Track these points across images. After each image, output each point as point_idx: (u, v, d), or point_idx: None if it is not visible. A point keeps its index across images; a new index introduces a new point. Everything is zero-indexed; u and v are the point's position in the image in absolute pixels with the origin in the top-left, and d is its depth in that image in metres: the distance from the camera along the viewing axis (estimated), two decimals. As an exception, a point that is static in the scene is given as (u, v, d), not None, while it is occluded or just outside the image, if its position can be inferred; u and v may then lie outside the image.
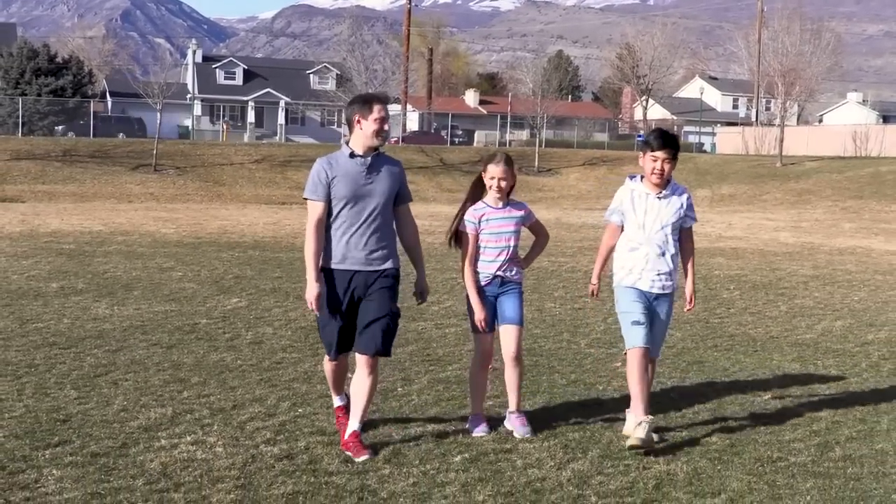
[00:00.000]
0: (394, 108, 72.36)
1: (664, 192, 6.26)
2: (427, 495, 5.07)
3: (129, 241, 19.95)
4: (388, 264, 6.01)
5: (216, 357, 8.54)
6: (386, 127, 5.97)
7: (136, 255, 17.11)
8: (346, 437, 5.84)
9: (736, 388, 7.78)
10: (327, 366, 6.30)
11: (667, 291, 6.30)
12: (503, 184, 6.30)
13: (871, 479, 5.60)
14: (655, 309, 6.29)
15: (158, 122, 50.58)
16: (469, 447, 5.99)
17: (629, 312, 6.21)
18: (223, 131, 71.84)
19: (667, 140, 6.20)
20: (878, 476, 5.66)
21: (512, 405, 6.39)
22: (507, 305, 6.35)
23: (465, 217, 6.38)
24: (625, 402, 7.29)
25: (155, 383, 7.47)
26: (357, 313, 5.95)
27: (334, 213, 5.94)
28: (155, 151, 48.04)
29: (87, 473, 5.29)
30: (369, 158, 5.97)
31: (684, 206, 6.31)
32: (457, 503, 5.00)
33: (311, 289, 5.91)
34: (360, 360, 5.91)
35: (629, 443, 5.82)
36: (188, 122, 73.91)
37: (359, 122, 5.94)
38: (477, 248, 6.35)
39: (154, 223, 25.72)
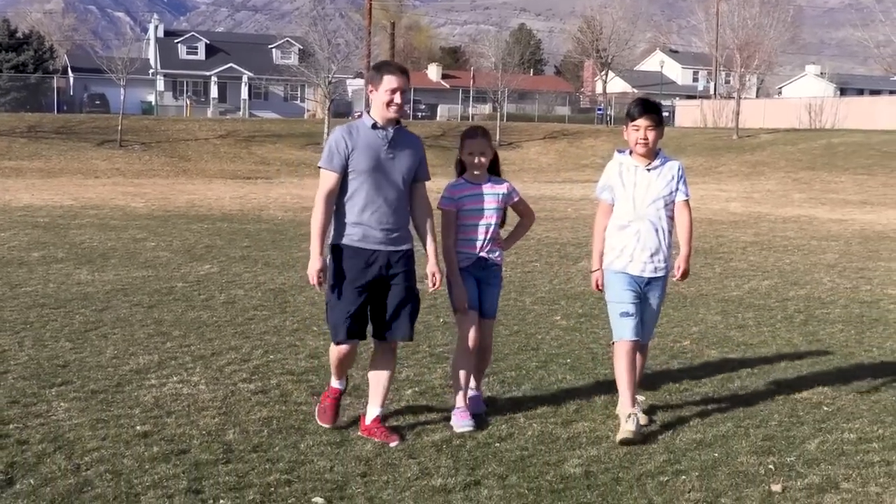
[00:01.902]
0: (356, 83, 72.96)
1: (654, 163, 5.90)
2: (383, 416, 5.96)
3: (100, 214, 20.66)
4: (408, 245, 5.72)
5: (193, 315, 9.40)
6: (398, 99, 5.55)
7: (109, 227, 17.85)
8: (368, 422, 5.68)
9: (660, 335, 8.71)
10: (334, 351, 5.74)
11: (659, 274, 5.96)
12: (482, 158, 6.03)
13: (762, 405, 6.56)
14: (647, 293, 5.98)
15: (122, 97, 50.90)
16: (419, 383, 6.89)
17: (619, 303, 5.92)
18: (187, 107, 72.06)
19: (648, 107, 5.86)
20: (768, 398, 6.62)
21: (472, 383, 6.26)
22: (486, 297, 6.12)
23: (444, 194, 6.09)
24: (559, 349, 8.24)
25: (140, 336, 8.32)
26: (373, 296, 5.63)
27: (352, 186, 5.54)
28: (120, 127, 48.45)
29: (90, 405, 6.16)
30: (391, 131, 5.61)
31: (676, 178, 5.93)
32: (404, 422, 5.91)
33: (314, 262, 5.48)
34: (383, 345, 5.73)
35: (619, 437, 5.61)
36: (151, 98, 74.05)
37: (371, 91, 5.62)
38: (459, 225, 6.05)
39: (123, 197, 26.37)
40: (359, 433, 5.67)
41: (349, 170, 5.53)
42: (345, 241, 5.58)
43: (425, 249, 5.87)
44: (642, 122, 5.82)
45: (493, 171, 6.19)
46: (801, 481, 5.05)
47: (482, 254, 6.04)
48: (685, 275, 5.99)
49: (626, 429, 5.63)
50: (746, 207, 27.39)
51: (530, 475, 5.06)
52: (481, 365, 6.35)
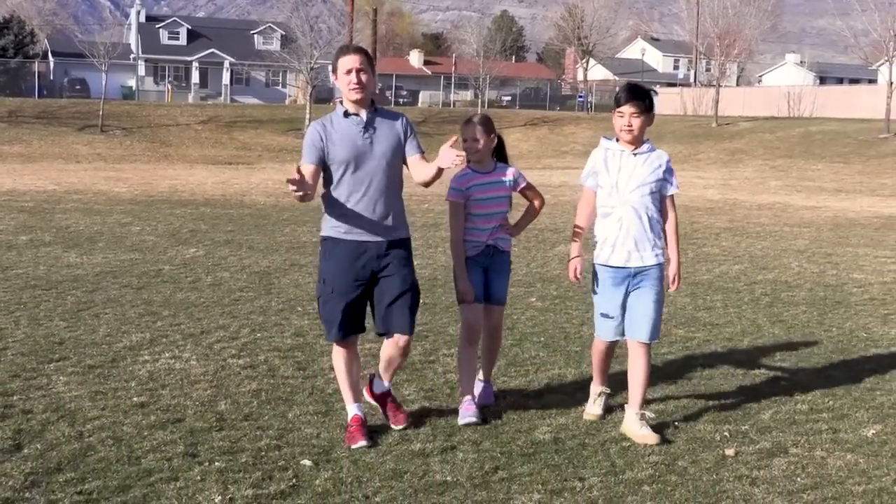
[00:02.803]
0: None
1: (641, 148, 5.69)
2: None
3: (84, 199, 20.91)
4: (402, 233, 5.53)
5: (182, 296, 9.73)
6: (362, 78, 5.34)
7: (93, 211, 18.12)
8: (380, 393, 5.74)
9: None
10: (337, 357, 5.57)
11: (648, 263, 5.64)
12: (475, 144, 5.90)
13: (722, 379, 6.96)
14: (639, 284, 5.66)
15: (104, 82, 50.93)
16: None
17: (598, 302, 5.80)
18: (168, 92, 72.04)
19: (634, 94, 5.63)
20: (728, 373, 7.02)
21: (482, 373, 6.27)
22: (496, 284, 6.06)
23: (451, 185, 5.97)
24: (534, 328, 8.62)
25: (131, 315, 8.66)
26: (367, 289, 5.46)
27: (335, 178, 5.39)
28: (101, 112, 48.50)
29: (87, 379, 6.50)
30: (364, 115, 5.42)
31: (663, 167, 5.71)
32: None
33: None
34: (392, 343, 5.54)
35: (585, 417, 5.87)
36: (132, 83, 73.94)
37: (335, 80, 5.47)
38: (467, 215, 5.95)
39: (105, 182, 26.60)
40: (366, 396, 5.75)
41: (329, 162, 5.37)
42: (333, 233, 5.43)
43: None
44: (627, 108, 5.59)
45: (500, 157, 6.12)
46: (753, 447, 5.45)
47: (490, 241, 5.96)
48: (679, 284, 5.81)
49: (592, 411, 5.90)
50: (723, 194, 27.84)
51: (502, 441, 5.44)
52: (492, 352, 6.27)
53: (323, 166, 5.40)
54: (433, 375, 6.88)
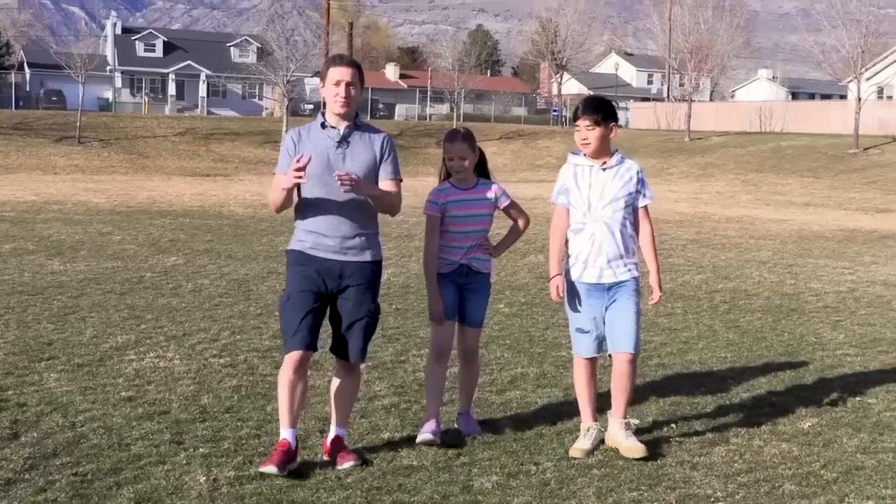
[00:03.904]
0: (314, 82, 73.45)
1: (610, 162, 5.61)
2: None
3: (64, 209, 21.23)
4: (367, 255, 5.27)
5: (164, 301, 10.12)
6: (350, 92, 5.19)
7: (74, 221, 18.45)
8: (329, 442, 5.40)
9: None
10: (284, 374, 5.19)
11: (622, 278, 5.58)
12: (462, 163, 5.72)
13: (675, 378, 7.42)
14: (615, 297, 5.60)
15: (81, 94, 51.13)
16: (371, 359, 7.68)
17: (574, 318, 5.69)
18: (145, 104, 72.25)
19: (586, 107, 5.57)
20: (681, 372, 7.48)
21: (462, 405, 6.02)
22: (473, 304, 5.83)
23: (429, 198, 5.78)
24: (500, 332, 9.06)
25: (116, 319, 9.04)
26: (326, 307, 5.28)
27: (304, 191, 5.22)
28: (78, 124, 48.68)
29: (77, 376, 6.89)
30: (342, 129, 5.24)
31: (634, 179, 5.63)
32: (359, 394, 6.69)
33: (279, 180, 5.21)
34: (341, 365, 5.43)
35: (571, 453, 5.51)
36: (108, 95, 74.13)
37: (322, 86, 5.29)
38: (442, 232, 5.76)
39: (84, 193, 26.90)
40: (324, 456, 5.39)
41: None
42: (298, 246, 5.26)
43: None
44: (581, 122, 5.55)
45: (482, 172, 5.90)
46: (697, 436, 5.92)
47: (464, 261, 5.76)
48: (660, 298, 5.81)
49: (577, 446, 5.53)
50: (693, 208, 28.40)
51: (466, 431, 5.87)
52: (469, 381, 5.99)
53: None
54: (403, 374, 7.30)
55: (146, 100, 74.70)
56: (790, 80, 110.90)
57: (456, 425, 5.90)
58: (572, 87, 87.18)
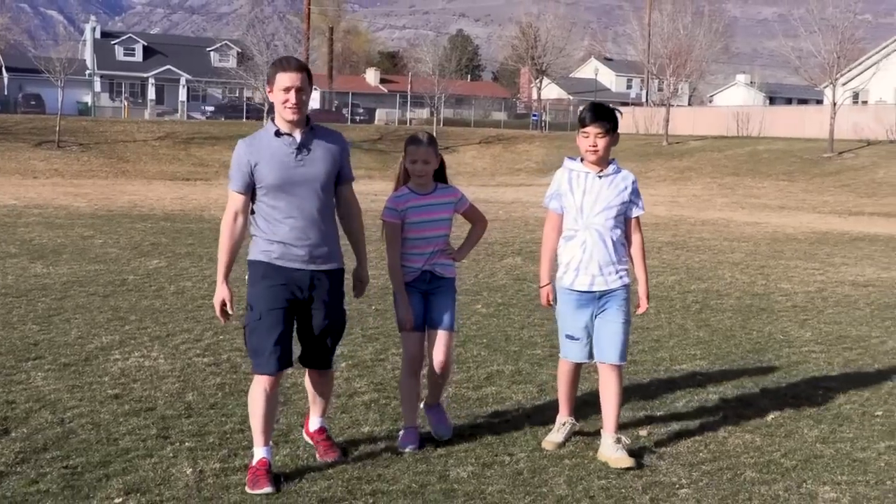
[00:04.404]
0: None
1: (606, 170, 5.61)
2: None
3: (45, 213, 21.31)
4: (335, 264, 5.23)
5: (147, 303, 10.29)
6: (302, 98, 5.02)
7: (55, 225, 18.56)
8: (314, 430, 5.49)
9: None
10: (256, 394, 5.12)
11: (613, 286, 5.61)
12: (426, 167, 5.62)
13: (645, 374, 7.67)
14: (605, 307, 5.63)
15: (61, 98, 51.08)
16: (352, 358, 7.88)
17: (564, 325, 5.70)
18: (125, 108, 72.19)
19: (598, 114, 5.55)
20: (651, 369, 7.73)
21: (430, 398, 5.95)
22: (438, 307, 5.71)
23: (387, 205, 5.68)
24: (478, 332, 9.28)
25: (100, 320, 9.21)
26: (294, 318, 5.18)
27: (266, 202, 5.08)
28: (58, 128, 48.62)
29: (64, 375, 7.07)
30: (298, 135, 5.09)
31: (629, 189, 5.63)
32: (340, 390, 6.91)
33: (219, 292, 5.13)
34: (311, 371, 5.44)
35: (543, 444, 5.69)
36: (87, 99, 74.02)
37: (269, 92, 5.10)
38: (403, 238, 5.67)
39: (65, 197, 26.96)
40: (304, 434, 5.61)
41: (257, 185, 5.05)
42: (262, 257, 5.11)
43: (357, 255, 5.49)
44: (592, 129, 5.51)
45: (440, 177, 5.82)
46: (665, 428, 6.16)
47: (427, 267, 5.68)
48: (647, 306, 5.88)
49: (549, 438, 5.70)
50: (670, 211, 28.73)
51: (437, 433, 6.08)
52: (437, 381, 5.86)
53: (252, 189, 5.09)
54: (383, 371, 7.52)
55: (126, 104, 74.60)
56: (768, 85, 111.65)
57: (428, 426, 5.84)
58: (552, 92, 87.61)
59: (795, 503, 4.97)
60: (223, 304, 5.07)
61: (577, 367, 5.79)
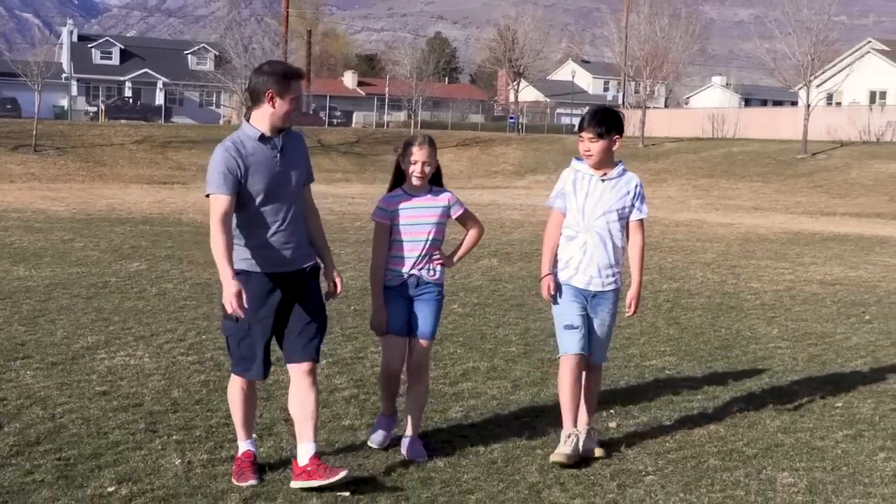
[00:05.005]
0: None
1: (611, 174, 5.68)
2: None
3: (23, 217, 21.41)
4: (312, 260, 5.30)
5: (130, 304, 10.49)
6: (300, 108, 5.15)
7: (35, 229, 18.67)
8: (306, 463, 5.04)
9: (542, 319, 10.06)
10: (236, 392, 5.29)
11: (607, 289, 5.73)
12: (427, 168, 5.56)
13: (615, 370, 7.94)
14: (596, 308, 5.74)
15: (37, 102, 51.00)
16: (331, 356, 8.12)
17: (562, 315, 5.71)
18: (101, 111, 72.06)
19: (591, 119, 5.63)
20: (622, 365, 8.00)
21: (408, 430, 5.68)
22: (421, 314, 5.62)
23: (378, 205, 5.63)
24: (454, 330, 9.53)
25: (85, 321, 9.41)
26: (278, 320, 5.20)
27: (250, 208, 5.06)
28: (35, 132, 48.55)
29: (52, 374, 7.27)
30: (279, 139, 5.14)
31: (632, 193, 5.70)
32: (321, 387, 7.14)
33: (229, 287, 4.93)
34: (299, 371, 5.22)
35: (553, 458, 5.51)
36: (64, 102, 73.83)
37: (272, 99, 5.05)
38: (391, 241, 5.62)
39: (42, 201, 27.02)
40: (292, 483, 5.05)
41: (244, 191, 5.02)
42: (245, 266, 5.09)
43: (323, 259, 5.41)
44: (585, 133, 5.63)
45: (435, 181, 5.74)
46: (633, 420, 6.45)
47: (414, 271, 5.60)
48: (635, 311, 5.88)
49: (560, 451, 5.51)
50: (644, 212, 29.06)
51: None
52: (416, 399, 5.71)
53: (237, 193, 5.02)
54: (362, 368, 7.76)
55: (102, 108, 74.45)
56: (744, 86, 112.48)
57: (402, 451, 5.63)
58: (529, 95, 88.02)
59: (755, 488, 5.25)
60: (239, 297, 4.92)
61: (579, 367, 5.71)
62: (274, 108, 5.06)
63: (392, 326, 5.63)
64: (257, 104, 5.10)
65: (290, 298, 5.18)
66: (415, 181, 5.60)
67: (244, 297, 4.93)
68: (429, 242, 5.62)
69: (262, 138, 5.10)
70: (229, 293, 4.93)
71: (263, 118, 5.09)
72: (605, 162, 5.68)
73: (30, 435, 5.78)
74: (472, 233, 5.89)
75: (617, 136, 5.67)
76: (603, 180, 5.66)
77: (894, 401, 7.17)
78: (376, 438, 5.74)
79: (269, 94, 5.05)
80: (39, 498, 4.81)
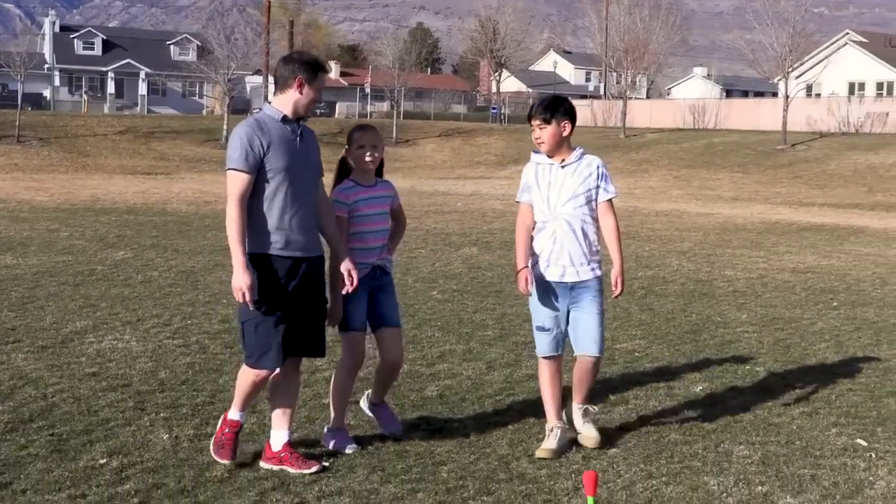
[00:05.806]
0: (255, 80, 73.75)
1: (569, 159, 5.64)
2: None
3: (8, 207, 21.59)
4: (321, 250, 5.33)
5: (116, 291, 10.74)
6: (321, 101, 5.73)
7: (20, 219, 18.88)
8: (279, 449, 5.19)
9: (518, 304, 10.36)
10: (249, 377, 5.23)
11: (585, 278, 5.66)
12: (375, 153, 5.61)
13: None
14: (578, 300, 5.68)
15: (20, 93, 51.01)
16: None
17: (535, 315, 5.73)
18: (84, 102, 71.98)
19: (538, 107, 5.65)
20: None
21: (376, 396, 5.89)
22: (387, 304, 5.66)
23: (334, 198, 5.55)
24: (433, 316, 9.82)
25: (73, 307, 9.66)
26: (293, 308, 5.15)
27: (271, 187, 5.07)
28: (18, 122, 48.60)
29: (43, 356, 7.53)
30: (299, 124, 5.24)
31: (594, 174, 5.63)
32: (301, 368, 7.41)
33: (242, 276, 4.93)
34: (296, 364, 5.37)
35: (538, 454, 5.50)
36: (46, 93, 73.72)
37: (301, 85, 5.13)
38: (352, 233, 5.56)
39: (27, 192, 27.18)
40: (261, 462, 5.24)
41: (266, 168, 5.05)
42: (266, 249, 5.08)
43: (338, 249, 5.38)
44: (533, 121, 5.64)
45: (379, 172, 5.81)
46: (600, 399, 6.73)
47: (377, 262, 5.64)
48: (622, 290, 5.78)
49: (545, 446, 5.55)
50: (625, 202, 29.34)
51: (398, 396, 6.63)
52: (388, 380, 5.87)
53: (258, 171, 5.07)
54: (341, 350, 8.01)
55: (85, 98, 74.38)
56: (725, 77, 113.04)
57: (377, 423, 5.82)
58: (511, 85, 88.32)
59: (712, 459, 5.56)
60: (252, 290, 4.94)
61: (556, 365, 5.76)
62: (301, 94, 5.16)
63: (356, 322, 5.60)
64: (283, 89, 5.19)
65: (303, 287, 5.17)
66: (369, 165, 5.61)
67: (256, 290, 4.95)
68: (386, 232, 5.74)
69: (285, 119, 5.19)
70: (243, 283, 4.93)
71: (287, 103, 5.19)
72: (561, 148, 5.67)
73: (23, 413, 6.04)
74: (400, 226, 5.96)
75: (566, 122, 5.64)
76: (563, 167, 5.64)
77: (852, 381, 7.49)
78: (352, 446, 5.53)
79: (299, 80, 5.15)
80: (34, 470, 5.08)
